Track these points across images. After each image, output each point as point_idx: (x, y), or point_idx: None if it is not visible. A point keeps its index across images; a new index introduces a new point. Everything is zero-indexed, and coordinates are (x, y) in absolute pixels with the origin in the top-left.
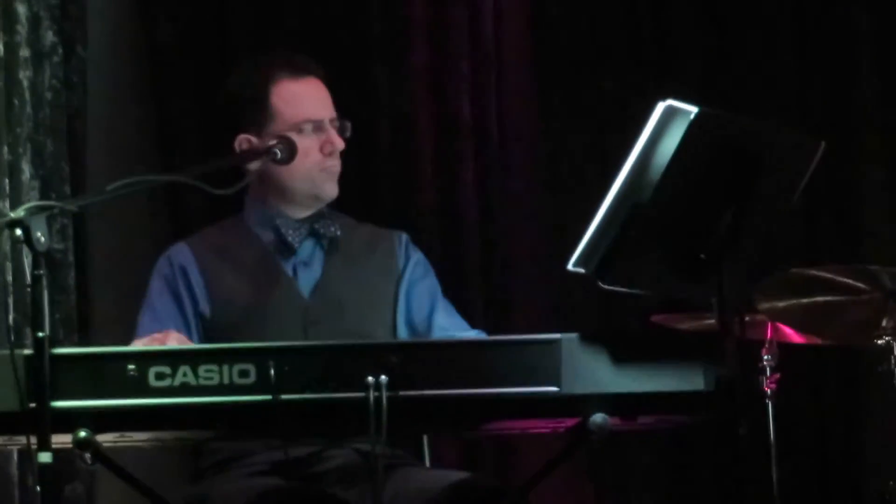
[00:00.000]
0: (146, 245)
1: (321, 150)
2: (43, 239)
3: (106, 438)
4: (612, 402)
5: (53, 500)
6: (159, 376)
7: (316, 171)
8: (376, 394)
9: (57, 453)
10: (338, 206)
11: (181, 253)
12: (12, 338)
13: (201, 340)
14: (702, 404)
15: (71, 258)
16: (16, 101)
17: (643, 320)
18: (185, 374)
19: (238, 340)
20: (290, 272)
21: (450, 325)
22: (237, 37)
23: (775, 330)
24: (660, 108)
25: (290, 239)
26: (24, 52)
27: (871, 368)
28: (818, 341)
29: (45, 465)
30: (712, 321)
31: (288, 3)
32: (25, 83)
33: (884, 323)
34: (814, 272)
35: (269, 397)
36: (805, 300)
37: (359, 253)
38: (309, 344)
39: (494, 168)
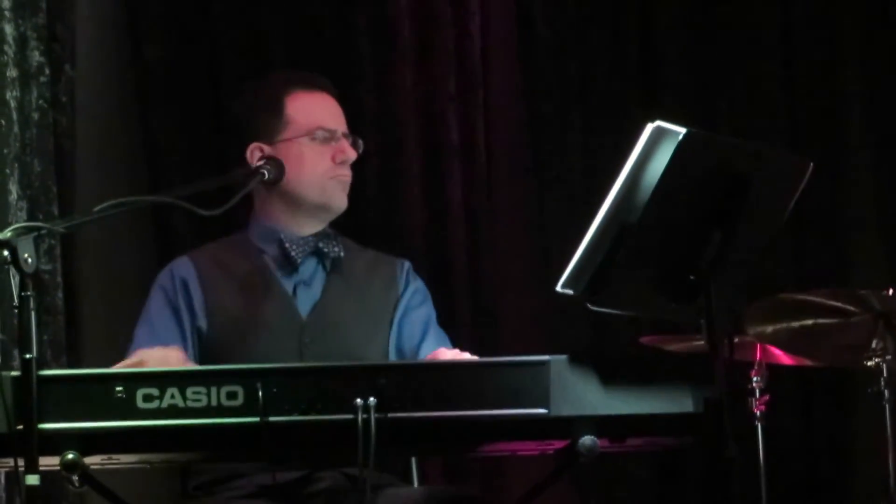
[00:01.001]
0: (134, 266)
1: (332, 158)
2: (30, 260)
3: (94, 460)
4: (601, 424)
5: None
6: (147, 398)
7: (326, 179)
8: (365, 416)
9: (44, 475)
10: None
11: (183, 266)
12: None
13: (198, 355)
14: (691, 426)
15: (59, 279)
16: (3, 122)
17: (632, 342)
18: (172, 396)
19: (234, 357)
20: (290, 291)
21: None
22: (225, 57)
23: (764, 351)
24: (648, 129)
25: (293, 254)
26: (12, 72)
27: (862, 390)
28: (808, 363)
29: (32, 488)
30: (701, 343)
31: (275, 22)
32: (13, 103)
33: (874, 345)
34: (803, 296)
35: (257, 419)
36: (795, 324)
37: (360, 276)
38: (297, 366)
39: (482, 188)
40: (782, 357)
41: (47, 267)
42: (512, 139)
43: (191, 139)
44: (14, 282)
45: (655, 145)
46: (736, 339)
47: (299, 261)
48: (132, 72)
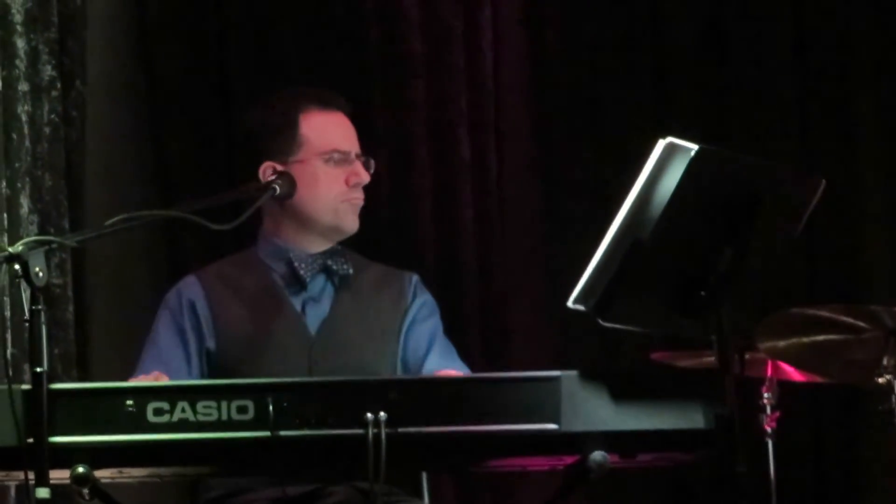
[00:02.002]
0: (145, 280)
1: (346, 181)
2: (41, 274)
3: (104, 474)
4: (612, 440)
5: None
6: (158, 412)
7: (339, 201)
8: (375, 430)
9: (55, 489)
10: (341, 241)
11: (191, 286)
12: (10, 373)
13: (207, 375)
14: (701, 442)
15: (70, 293)
16: (14, 136)
17: (643, 357)
18: (183, 410)
19: (243, 375)
20: (298, 308)
21: (440, 368)
22: (236, 73)
23: (775, 368)
24: (660, 145)
25: (302, 273)
26: (23, 87)
27: (872, 407)
28: (819, 379)
29: (43, 501)
30: (712, 359)
31: (287, 39)
32: (24, 117)
33: (885, 362)
34: (814, 311)
35: (267, 433)
36: (806, 339)
37: (368, 292)
38: (307, 380)
39: (493, 204)
40: (793, 374)
41: (58, 281)
42: (523, 155)
43: (202, 154)
44: (25, 295)
45: (668, 161)
46: (747, 356)
47: (308, 279)
48: (143, 86)
